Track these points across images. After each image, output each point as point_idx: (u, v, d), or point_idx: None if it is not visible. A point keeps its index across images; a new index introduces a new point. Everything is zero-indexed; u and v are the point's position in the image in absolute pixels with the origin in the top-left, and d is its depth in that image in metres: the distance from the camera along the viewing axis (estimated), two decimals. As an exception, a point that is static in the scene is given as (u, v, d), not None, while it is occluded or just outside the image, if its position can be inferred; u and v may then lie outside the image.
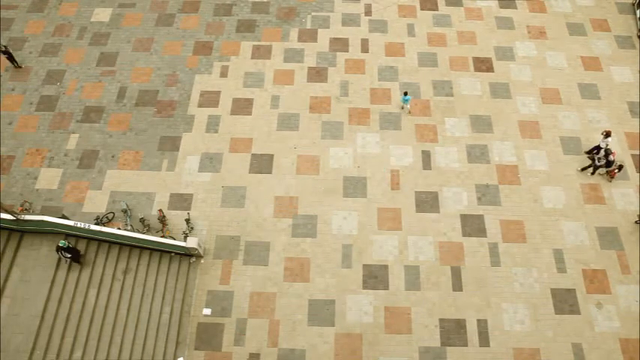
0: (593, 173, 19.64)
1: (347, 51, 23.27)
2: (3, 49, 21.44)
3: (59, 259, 16.77)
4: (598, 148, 19.42)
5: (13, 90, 21.95)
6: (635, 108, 21.64)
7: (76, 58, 23.03)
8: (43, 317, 15.90)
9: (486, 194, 19.39)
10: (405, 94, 20.28)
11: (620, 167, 19.16)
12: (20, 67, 22.45)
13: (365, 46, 23.45)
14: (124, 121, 21.04)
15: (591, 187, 19.56)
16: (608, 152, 18.89)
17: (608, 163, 19.01)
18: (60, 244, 16.17)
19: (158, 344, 16.42)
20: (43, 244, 17.05)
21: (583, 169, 19.73)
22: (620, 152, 20.25)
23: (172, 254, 17.90)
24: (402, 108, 21.13)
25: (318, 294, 17.39)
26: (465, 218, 18.84)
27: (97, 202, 19.01)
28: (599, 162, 19.14)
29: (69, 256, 16.46)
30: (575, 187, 19.55)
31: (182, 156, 20.21)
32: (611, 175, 19.39)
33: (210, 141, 20.61)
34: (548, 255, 18.10)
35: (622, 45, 23.67)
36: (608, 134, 19.06)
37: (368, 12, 24.78)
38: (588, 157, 19.75)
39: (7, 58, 22.01)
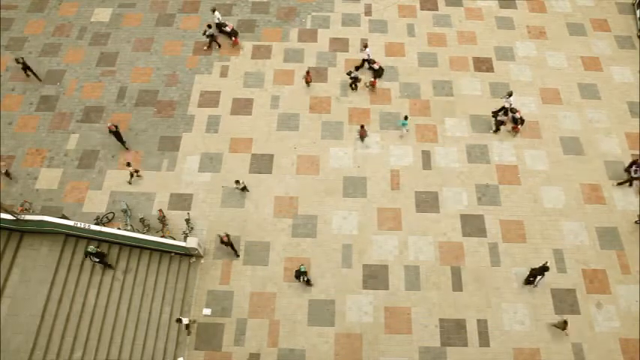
0: (630, 184, 19.36)
1: (347, 51, 23.27)
2: (21, 60, 21.20)
3: (59, 260, 16.78)
4: (635, 163, 19.07)
5: (13, 90, 21.94)
6: (635, 108, 21.63)
7: (76, 58, 23.03)
8: (43, 317, 15.90)
9: (486, 194, 19.38)
10: (405, 118, 19.88)
11: None
12: (40, 80, 21.98)
13: (365, 46, 23.40)
14: (124, 121, 21.03)
15: (591, 187, 19.56)
16: None
17: None
18: (89, 250, 16.34)
19: (158, 344, 16.43)
20: (43, 244, 17.04)
21: (619, 184, 19.51)
22: (620, 153, 20.27)
23: (172, 254, 17.90)
24: (406, 131, 20.58)
25: (318, 294, 17.39)
26: (465, 218, 18.83)
27: (97, 202, 19.01)
28: (635, 174, 18.96)
29: (97, 260, 16.60)
30: (575, 187, 19.55)
31: (182, 156, 20.21)
32: None
33: (210, 141, 20.60)
34: (548, 255, 18.08)
35: (622, 45, 23.66)
36: None
37: (368, 12, 24.77)
38: (625, 171, 19.44)
39: (23, 70, 21.51)
